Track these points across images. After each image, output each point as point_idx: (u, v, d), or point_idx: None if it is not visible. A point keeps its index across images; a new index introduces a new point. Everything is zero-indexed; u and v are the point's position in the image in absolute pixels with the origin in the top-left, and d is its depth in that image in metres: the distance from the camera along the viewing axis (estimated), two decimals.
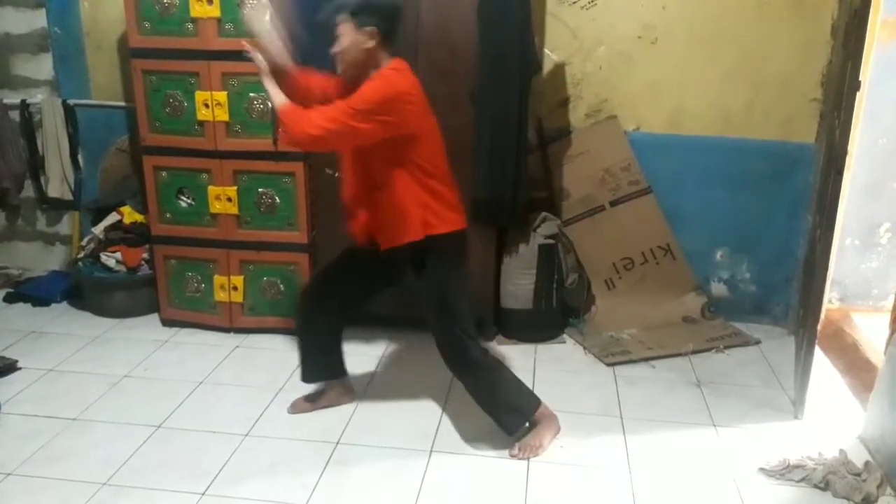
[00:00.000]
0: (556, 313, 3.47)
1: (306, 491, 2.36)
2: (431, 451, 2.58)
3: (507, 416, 2.56)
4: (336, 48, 2.34)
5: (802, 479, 2.41)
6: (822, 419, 2.79)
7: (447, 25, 3.06)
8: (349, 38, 2.30)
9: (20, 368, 3.10)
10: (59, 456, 2.53)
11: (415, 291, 2.54)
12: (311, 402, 2.82)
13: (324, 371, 2.80)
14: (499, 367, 2.61)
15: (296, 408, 2.81)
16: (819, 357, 2.90)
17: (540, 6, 3.39)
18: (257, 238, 3.35)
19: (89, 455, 2.53)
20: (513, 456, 2.53)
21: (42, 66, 3.89)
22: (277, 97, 2.31)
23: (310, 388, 2.85)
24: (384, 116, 2.25)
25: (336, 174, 2.73)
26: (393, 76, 2.31)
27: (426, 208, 2.38)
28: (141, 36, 3.21)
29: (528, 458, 2.52)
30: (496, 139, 3.07)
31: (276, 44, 2.35)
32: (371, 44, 2.30)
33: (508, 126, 3.07)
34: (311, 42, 2.46)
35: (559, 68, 3.51)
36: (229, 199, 3.30)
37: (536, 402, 2.60)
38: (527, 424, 2.59)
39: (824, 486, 2.38)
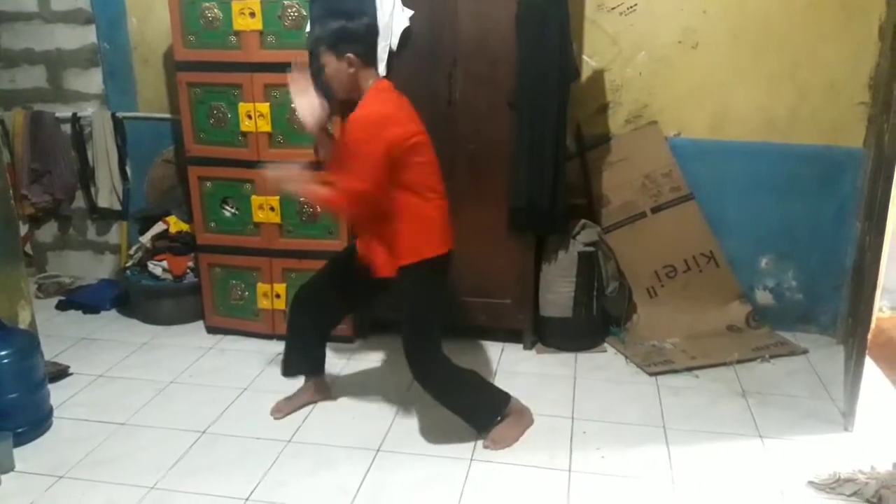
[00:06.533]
0: (596, 322, 3.44)
1: (348, 496, 2.38)
2: (472, 459, 2.58)
3: (476, 417, 2.66)
4: (325, 76, 2.47)
5: (854, 494, 2.35)
6: (874, 431, 2.71)
7: (486, 36, 3.07)
8: (332, 66, 2.42)
9: (72, 374, 3.19)
10: (108, 460, 2.59)
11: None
12: (292, 402, 2.89)
13: (303, 366, 2.89)
14: (462, 375, 2.64)
15: (278, 410, 2.87)
16: (870, 367, 2.82)
17: (578, 13, 3.38)
18: (299, 247, 3.39)
19: (137, 459, 2.59)
20: (486, 447, 2.62)
21: (92, 81, 4.01)
22: (319, 192, 2.40)
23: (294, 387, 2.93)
24: (381, 132, 2.33)
25: None
26: (373, 104, 2.40)
27: (417, 233, 2.45)
28: (186, 49, 3.29)
29: (499, 450, 2.60)
30: (535, 147, 3.07)
31: (323, 115, 2.48)
32: (352, 70, 2.39)
33: (547, 133, 3.06)
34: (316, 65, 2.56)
35: (598, 74, 3.49)
36: (272, 209, 3.35)
37: (505, 399, 2.67)
38: (498, 419, 2.67)
39: (877, 500, 2.31)
